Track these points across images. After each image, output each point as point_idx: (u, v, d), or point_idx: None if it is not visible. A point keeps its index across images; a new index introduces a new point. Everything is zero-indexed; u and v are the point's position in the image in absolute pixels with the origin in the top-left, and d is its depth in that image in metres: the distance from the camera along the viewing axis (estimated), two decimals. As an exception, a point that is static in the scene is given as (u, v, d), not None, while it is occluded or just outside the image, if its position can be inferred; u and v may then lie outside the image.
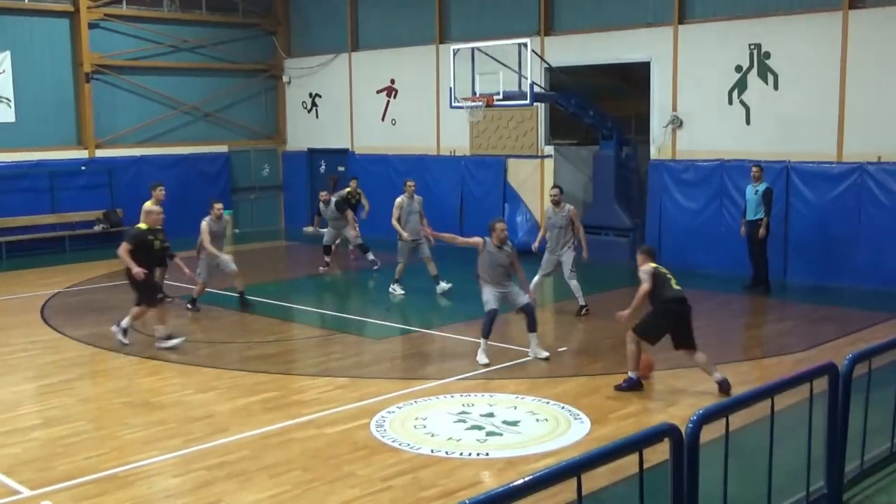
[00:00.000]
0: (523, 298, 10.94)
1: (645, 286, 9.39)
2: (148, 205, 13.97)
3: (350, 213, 17.65)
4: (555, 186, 13.87)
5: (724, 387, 9.39)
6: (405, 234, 14.80)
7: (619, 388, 9.53)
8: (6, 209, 20.10)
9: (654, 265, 9.56)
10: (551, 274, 13.66)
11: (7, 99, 20.31)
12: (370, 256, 17.20)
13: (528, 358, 11.02)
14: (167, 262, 12.75)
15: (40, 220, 20.63)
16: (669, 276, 9.49)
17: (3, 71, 20.19)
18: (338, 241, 18.15)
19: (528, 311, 10.88)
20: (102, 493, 7.12)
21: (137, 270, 11.32)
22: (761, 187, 14.64)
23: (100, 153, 21.65)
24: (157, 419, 8.90)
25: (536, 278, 13.47)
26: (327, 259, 17.71)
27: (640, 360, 9.57)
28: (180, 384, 10.15)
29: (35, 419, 8.99)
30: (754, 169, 14.74)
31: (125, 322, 11.80)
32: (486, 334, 10.77)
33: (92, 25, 21.34)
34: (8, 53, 20.19)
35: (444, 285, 14.94)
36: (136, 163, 21.97)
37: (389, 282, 15.15)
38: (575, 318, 13.25)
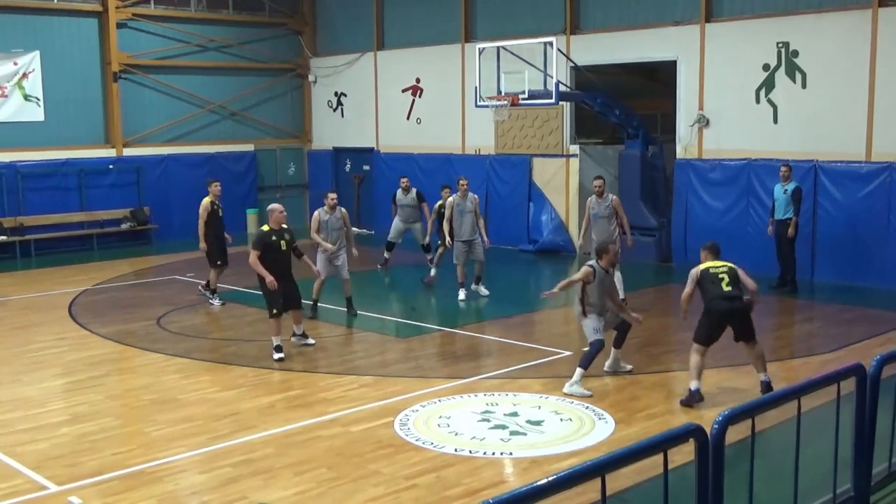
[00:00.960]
0: (617, 318, 10.25)
1: (686, 290, 9.24)
2: (206, 201, 14.28)
3: (427, 208, 16.83)
4: (598, 177, 13.75)
5: (765, 388, 9.07)
6: (448, 241, 14.55)
7: (682, 402, 9.08)
8: (35, 207, 20.30)
9: (707, 265, 9.26)
10: None
11: (36, 98, 20.51)
12: (430, 256, 16.51)
13: (553, 358, 11.00)
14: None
15: (69, 218, 20.82)
16: (723, 275, 9.09)
17: (33, 70, 20.39)
18: (399, 241, 17.18)
19: (623, 330, 10.26)
20: (129, 489, 7.18)
21: (271, 280, 10.75)
22: (791, 186, 14.52)
23: (127, 152, 21.82)
24: (182, 416, 8.96)
25: None
26: (387, 255, 17.12)
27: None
28: (206, 381, 10.21)
29: (63, 415, 9.08)
30: (783, 168, 14.62)
31: (296, 329, 11.60)
32: (587, 365, 9.66)
33: (120, 25, 21.50)
34: (37, 53, 20.39)
35: (483, 290, 14.66)
36: (164, 161, 22.14)
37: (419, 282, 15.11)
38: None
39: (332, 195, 13.36)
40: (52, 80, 20.62)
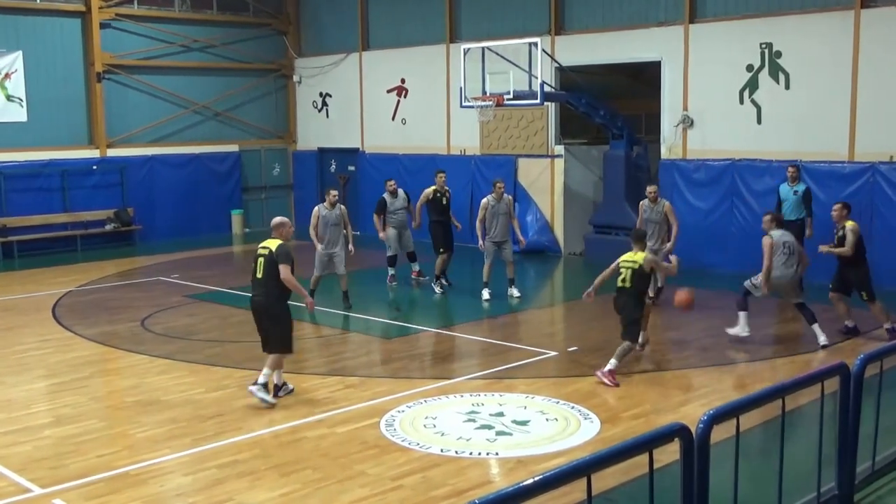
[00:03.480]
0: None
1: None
2: (428, 190, 15.13)
3: (413, 208, 15.79)
4: (652, 183, 14.12)
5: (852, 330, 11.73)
6: (481, 242, 14.36)
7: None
8: (18, 208, 20.19)
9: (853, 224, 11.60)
10: None
11: (19, 98, 20.39)
12: (416, 267, 15.87)
13: (538, 358, 11.02)
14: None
15: (52, 220, 20.71)
16: None
17: (16, 71, 20.27)
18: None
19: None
20: (113, 491, 7.15)
21: (311, 301, 9.84)
22: (801, 187, 14.39)
23: (111, 152, 21.72)
24: (167, 418, 8.93)
25: None
26: (393, 272, 15.78)
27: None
28: (191, 383, 10.17)
29: (47, 417, 9.03)
30: (791, 169, 14.47)
31: (274, 378, 9.49)
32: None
33: (103, 25, 21.40)
34: (20, 53, 20.27)
35: (516, 292, 14.56)
36: (148, 162, 22.06)
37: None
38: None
39: (334, 192, 13.85)
40: (35, 80, 20.50)
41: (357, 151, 23.34)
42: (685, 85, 17.17)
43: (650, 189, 13.85)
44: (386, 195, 15.74)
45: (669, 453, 4.60)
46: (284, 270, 9.17)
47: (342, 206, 13.90)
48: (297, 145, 25.15)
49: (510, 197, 14.89)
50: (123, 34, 21.81)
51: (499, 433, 8.33)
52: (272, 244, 9.40)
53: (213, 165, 23.23)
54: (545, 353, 11.19)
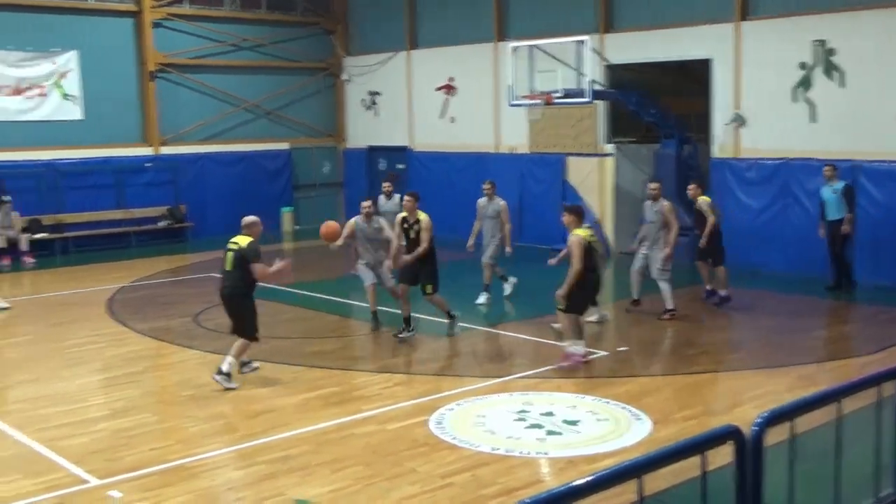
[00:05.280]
0: None
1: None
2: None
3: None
4: (654, 180, 13.43)
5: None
6: (469, 242, 14.22)
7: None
8: (74, 205, 20.57)
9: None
10: (642, 270, 13.12)
11: (75, 97, 20.76)
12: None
13: (588, 357, 10.96)
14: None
15: (106, 216, 21.07)
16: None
17: (71, 70, 20.64)
18: None
19: None
20: (166, 484, 7.26)
21: (283, 263, 10.39)
22: (839, 186, 14.26)
23: (164, 150, 22.03)
24: (219, 413, 9.04)
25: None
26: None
27: None
28: (242, 378, 10.26)
29: (102, 410, 9.20)
30: (827, 169, 14.36)
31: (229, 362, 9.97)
32: None
33: (155, 25, 21.71)
34: (75, 53, 20.64)
35: (507, 288, 14.51)
36: (200, 160, 22.34)
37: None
38: (657, 320, 12.75)
39: (366, 203, 12.94)
40: (90, 79, 20.86)
41: (406, 150, 23.41)
42: (736, 83, 16.95)
43: (651, 186, 13.06)
44: (381, 196, 15.60)
45: (723, 456, 4.55)
46: (259, 269, 9.82)
47: (382, 221, 12.94)
48: (346, 143, 25.29)
49: (502, 201, 14.27)
50: (175, 33, 22.11)
51: (549, 433, 8.31)
52: (242, 241, 9.92)
53: (264, 163, 23.47)
54: (595, 353, 11.12)
